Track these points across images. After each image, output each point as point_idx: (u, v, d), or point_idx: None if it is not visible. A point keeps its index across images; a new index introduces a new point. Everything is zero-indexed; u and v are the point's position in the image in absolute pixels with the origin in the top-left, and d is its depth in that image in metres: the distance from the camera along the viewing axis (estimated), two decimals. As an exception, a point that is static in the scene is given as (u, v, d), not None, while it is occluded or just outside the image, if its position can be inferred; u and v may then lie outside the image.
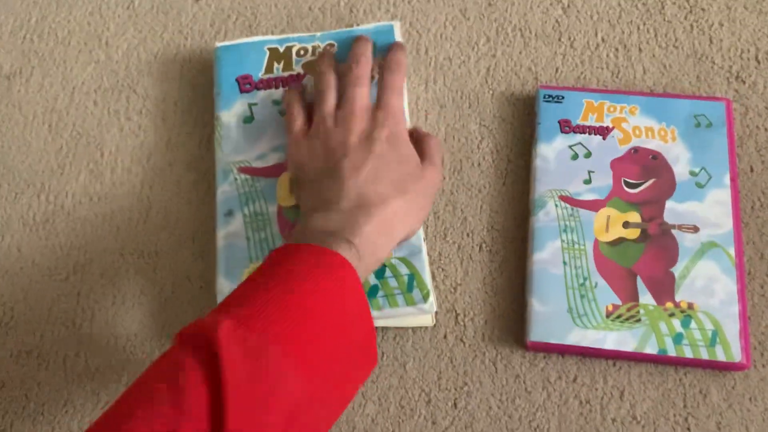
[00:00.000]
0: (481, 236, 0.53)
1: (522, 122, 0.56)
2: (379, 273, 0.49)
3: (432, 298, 0.48)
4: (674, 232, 0.50)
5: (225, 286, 0.49)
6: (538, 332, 0.49)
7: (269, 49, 0.56)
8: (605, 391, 0.49)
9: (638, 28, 0.59)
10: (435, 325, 0.51)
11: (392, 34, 0.56)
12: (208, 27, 0.62)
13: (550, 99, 0.55)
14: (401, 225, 0.46)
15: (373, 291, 0.48)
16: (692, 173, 0.52)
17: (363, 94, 0.49)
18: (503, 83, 0.58)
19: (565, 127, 0.54)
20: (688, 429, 0.47)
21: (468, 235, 0.53)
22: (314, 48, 0.56)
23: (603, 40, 0.59)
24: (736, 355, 0.47)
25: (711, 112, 0.54)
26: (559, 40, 0.59)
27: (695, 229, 0.50)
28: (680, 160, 0.53)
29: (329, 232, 0.42)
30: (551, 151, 0.54)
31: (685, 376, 0.48)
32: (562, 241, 0.51)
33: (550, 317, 0.49)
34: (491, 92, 0.58)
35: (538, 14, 0.60)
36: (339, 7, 0.62)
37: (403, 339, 0.51)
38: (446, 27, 0.60)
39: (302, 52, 0.56)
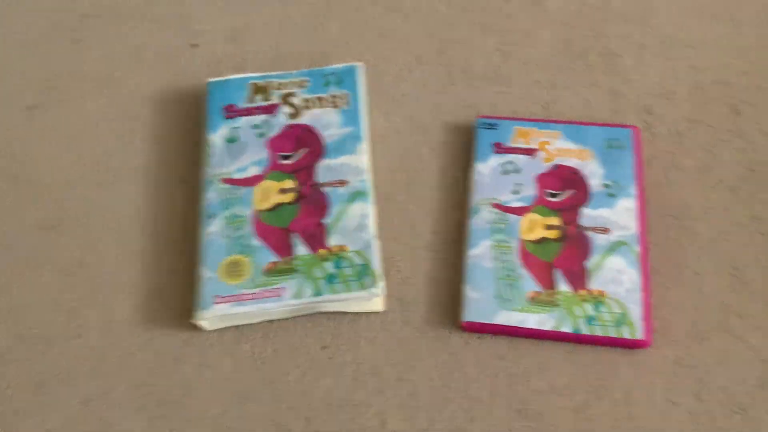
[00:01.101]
0: (427, 238, 0.62)
1: (464, 146, 0.66)
2: (338, 263, 0.57)
3: (381, 283, 0.57)
4: (589, 233, 0.60)
5: (205, 274, 0.58)
6: (470, 314, 0.57)
7: (252, 83, 0.67)
8: (529, 367, 0.56)
9: (565, 71, 0.70)
10: (385, 311, 0.59)
11: (356, 73, 0.67)
12: (203, 68, 0.73)
13: (487, 126, 0.65)
14: None
15: (331, 278, 0.57)
16: (605, 185, 0.62)
17: None
18: (449, 115, 0.68)
19: (498, 148, 0.64)
20: (600, 398, 0.55)
21: (417, 238, 0.62)
22: (291, 83, 0.67)
23: (536, 81, 0.70)
24: (639, 334, 0.55)
25: (621, 136, 0.64)
26: (498, 81, 0.70)
27: (606, 231, 0.59)
28: (595, 174, 0.62)
29: None
30: (486, 168, 0.63)
31: (598, 354, 0.56)
32: (493, 240, 0.60)
33: (481, 302, 0.57)
34: (439, 122, 0.68)
35: (480, 60, 0.71)
36: (315, 53, 0.73)
37: (357, 323, 0.59)
38: (404, 70, 0.71)
39: (280, 86, 0.66)
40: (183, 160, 0.67)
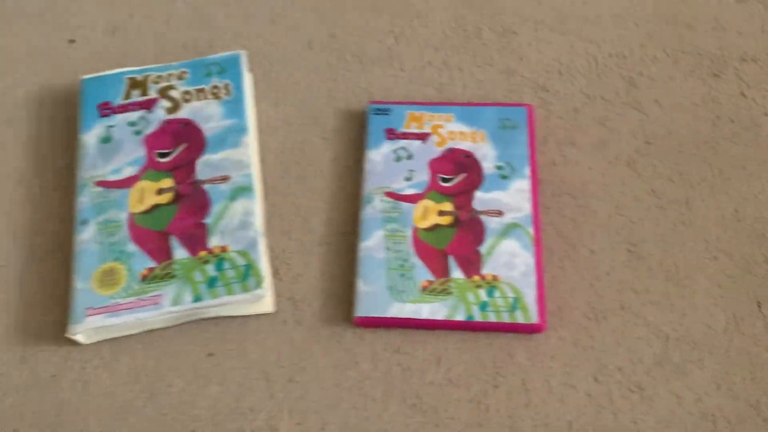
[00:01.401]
0: (320, 232, 0.60)
1: (357, 133, 0.64)
2: (219, 265, 0.54)
3: (266, 284, 0.54)
4: (482, 217, 0.58)
5: (78, 286, 0.54)
6: (362, 308, 0.54)
7: (128, 78, 0.63)
8: (424, 359, 0.54)
9: (459, 51, 0.68)
10: (276, 311, 0.56)
11: (239, 63, 0.63)
12: (81, 65, 0.68)
13: (379, 112, 0.63)
14: None
15: (212, 282, 0.54)
16: (498, 167, 0.60)
17: None
18: (342, 101, 0.65)
19: (390, 134, 0.62)
20: (497, 387, 0.53)
21: (309, 232, 0.60)
22: (169, 75, 0.63)
23: (429, 62, 0.67)
24: (534, 318, 0.54)
25: (515, 115, 0.62)
26: (391, 64, 0.67)
27: (499, 213, 0.58)
28: (488, 157, 0.60)
29: None
30: (378, 155, 0.61)
31: (494, 341, 0.55)
32: (386, 230, 0.57)
33: (373, 295, 0.55)
34: (332, 110, 0.65)
35: (373, 43, 0.68)
36: (200, 44, 0.69)
37: (246, 326, 0.56)
38: (294, 56, 0.68)
39: (158, 80, 0.63)
40: (58, 164, 0.63)
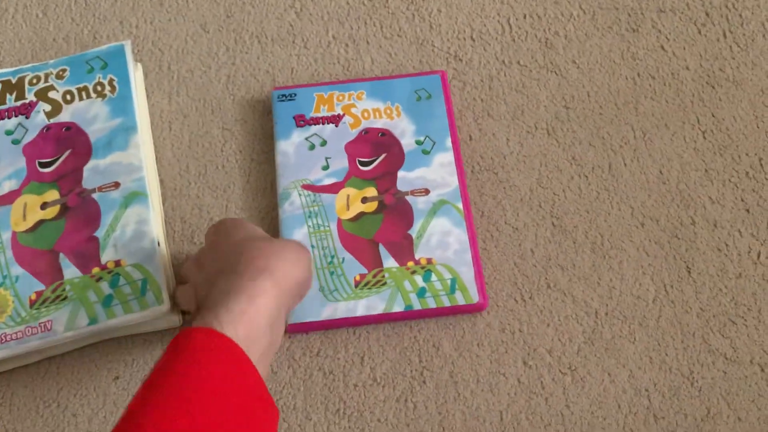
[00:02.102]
0: (227, 233, 0.55)
1: (261, 122, 0.59)
2: (113, 281, 0.50)
3: (166, 298, 0.50)
4: (408, 198, 0.54)
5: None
6: (293, 315, 0.50)
7: (1, 81, 0.57)
8: (347, 359, 0.51)
9: (365, 23, 0.63)
10: (182, 325, 0.52)
11: (123, 53, 0.58)
12: (-48, 69, 0.62)
13: (284, 98, 0.58)
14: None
15: (107, 301, 0.49)
16: (418, 142, 0.56)
17: None
18: (243, 88, 0.61)
19: (300, 121, 0.57)
20: (425, 382, 0.50)
21: (215, 234, 0.55)
22: (47, 75, 0.57)
23: (334, 37, 0.63)
24: (474, 297, 0.51)
25: (429, 84, 0.58)
26: (293, 42, 0.62)
27: (426, 192, 0.54)
28: (406, 133, 0.56)
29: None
30: (290, 145, 0.56)
31: (419, 333, 0.52)
32: (308, 226, 0.53)
33: (304, 299, 0.48)
34: (232, 98, 0.60)
35: (273, 20, 0.63)
36: (83, 35, 0.63)
37: (152, 344, 0.52)
38: (187, 42, 0.63)
39: (35, 81, 0.57)
40: (-67, 182, 0.57)
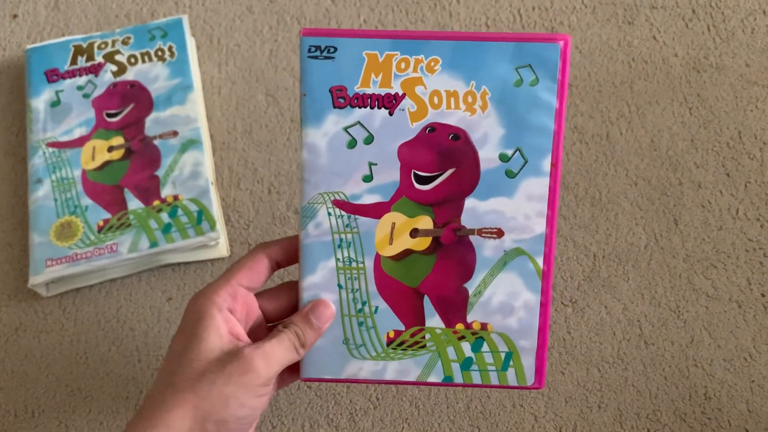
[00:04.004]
0: (269, 181, 0.63)
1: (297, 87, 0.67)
2: (173, 212, 0.57)
3: (219, 227, 0.57)
4: (472, 238, 0.41)
5: (35, 240, 0.56)
6: (310, 368, 0.42)
7: (74, 45, 0.65)
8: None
9: (393, 10, 0.71)
10: (231, 256, 0.59)
11: (182, 26, 0.66)
12: (25, 39, 0.70)
13: (318, 53, 0.39)
14: None
15: (167, 228, 0.56)
16: (503, 157, 0.40)
17: None
18: (284, 60, 0.69)
19: (339, 99, 0.39)
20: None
21: (258, 182, 0.63)
22: (113, 41, 0.65)
23: (365, 21, 0.71)
24: (530, 379, 0.42)
25: (539, 59, 0.38)
26: (329, 24, 0.71)
27: (499, 234, 0.41)
28: (490, 139, 0.39)
29: None
30: (321, 136, 0.40)
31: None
32: (337, 259, 0.41)
33: (324, 350, 0.42)
34: (275, 68, 0.68)
35: (312, 5, 0.72)
36: (142, 13, 0.71)
37: (203, 270, 0.59)
38: (235, 21, 0.71)
39: (103, 46, 0.65)
40: (8, 132, 0.65)
